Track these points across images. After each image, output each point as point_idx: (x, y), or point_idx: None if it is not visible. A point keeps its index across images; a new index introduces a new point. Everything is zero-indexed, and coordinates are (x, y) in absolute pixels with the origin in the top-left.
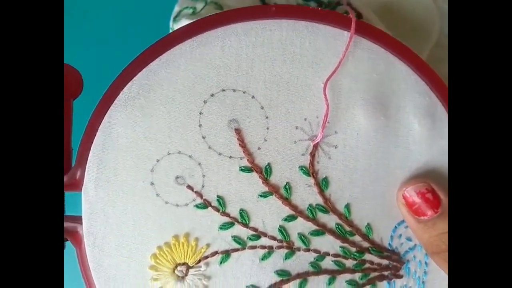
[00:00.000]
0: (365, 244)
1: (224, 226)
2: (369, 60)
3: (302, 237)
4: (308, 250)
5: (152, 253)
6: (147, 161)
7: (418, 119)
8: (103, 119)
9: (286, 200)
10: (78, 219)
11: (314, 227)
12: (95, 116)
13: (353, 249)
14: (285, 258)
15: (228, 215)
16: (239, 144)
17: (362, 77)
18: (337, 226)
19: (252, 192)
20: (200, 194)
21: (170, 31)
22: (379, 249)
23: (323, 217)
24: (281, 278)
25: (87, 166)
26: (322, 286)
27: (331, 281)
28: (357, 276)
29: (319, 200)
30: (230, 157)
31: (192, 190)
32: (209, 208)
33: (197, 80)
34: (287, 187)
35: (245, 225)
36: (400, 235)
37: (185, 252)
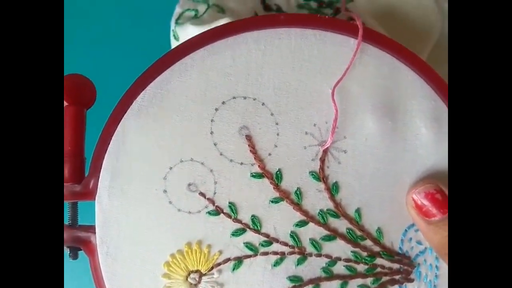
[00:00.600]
0: (376, 249)
1: (236, 233)
2: (376, 66)
3: (314, 242)
4: (319, 255)
5: (165, 261)
6: (160, 169)
7: (425, 123)
8: (116, 128)
9: (297, 206)
10: (91, 228)
11: (326, 232)
12: (108, 125)
13: (364, 254)
14: (297, 264)
15: (240, 221)
16: (250, 151)
17: (369, 83)
18: (348, 230)
19: (264, 198)
20: (212, 201)
21: (171, 32)
22: (390, 253)
23: (334, 222)
24: (294, 284)
25: (100, 175)
26: None
27: (343, 286)
28: (368, 280)
29: (330, 205)
30: (241, 163)
31: (204, 197)
32: (221, 214)
33: (208, 89)
34: (298, 192)
35: (257, 231)
36: (411, 239)
37: (198, 260)
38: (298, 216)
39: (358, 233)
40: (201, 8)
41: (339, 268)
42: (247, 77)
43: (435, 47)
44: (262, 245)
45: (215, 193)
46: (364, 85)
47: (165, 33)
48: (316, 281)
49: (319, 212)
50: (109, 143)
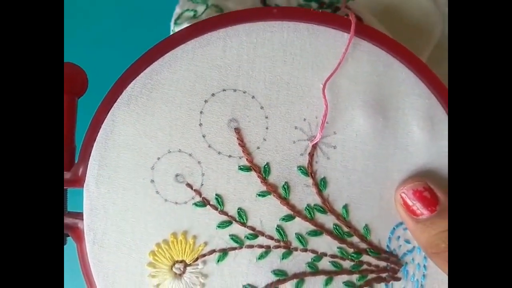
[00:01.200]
0: (363, 245)
1: (222, 225)
2: (369, 62)
3: (300, 237)
4: (305, 250)
5: (151, 250)
6: (148, 158)
7: (417, 121)
8: (106, 117)
9: (284, 200)
10: (79, 215)
11: (312, 227)
12: (98, 113)
13: (351, 250)
14: (282, 258)
15: (226, 213)
16: (239, 144)
17: (362, 79)
18: (335, 226)
19: (251, 191)
20: (199, 192)
21: (171, 33)
22: (376, 251)
23: (321, 218)
24: (278, 278)
25: (89, 163)
26: (319, 287)
27: (328, 282)
28: (354, 277)
29: (317, 200)
30: (230, 156)
31: (191, 188)
32: (208, 206)
33: (198, 80)
34: (285, 186)
35: (243, 224)
36: (399, 237)
37: (183, 250)
38: (285, 211)
39: (345, 229)
40: (200, 8)
41: (325, 263)
42: (238, 70)
43: (436, 47)
44: (248, 238)
45: (202, 184)
46: (357, 81)
47: (166, 32)
48: (300, 276)
49: (306, 207)
50: (98, 132)
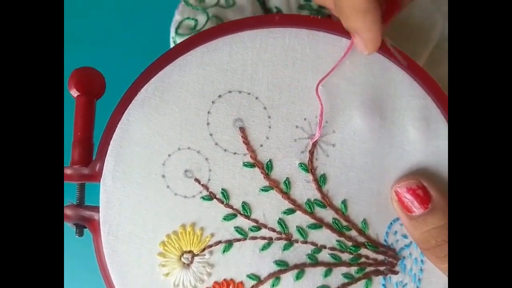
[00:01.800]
0: (361, 239)
1: (228, 217)
2: (366, 64)
3: (300, 229)
4: (305, 242)
5: (161, 240)
6: (160, 155)
7: (413, 121)
8: (121, 117)
9: (286, 194)
10: (95, 208)
11: (312, 221)
12: (115, 114)
13: (349, 243)
14: (284, 249)
15: (231, 207)
16: (243, 142)
17: (359, 80)
18: (334, 220)
19: (254, 186)
20: (206, 187)
21: (171, 39)
22: (374, 245)
23: (320, 212)
24: (280, 268)
25: (106, 159)
26: (319, 278)
27: (327, 273)
28: (353, 269)
29: (317, 195)
30: (235, 153)
31: (199, 183)
32: (214, 200)
33: (206, 83)
34: (286, 182)
35: (247, 216)
36: (396, 232)
37: (191, 241)
38: (286, 205)
39: (344, 223)
40: (201, 18)
41: (324, 255)
42: (243, 73)
43: (436, 47)
44: (251, 230)
45: (209, 179)
46: (354, 82)
47: (166, 33)
48: (301, 266)
49: (306, 202)
50: (114, 131)
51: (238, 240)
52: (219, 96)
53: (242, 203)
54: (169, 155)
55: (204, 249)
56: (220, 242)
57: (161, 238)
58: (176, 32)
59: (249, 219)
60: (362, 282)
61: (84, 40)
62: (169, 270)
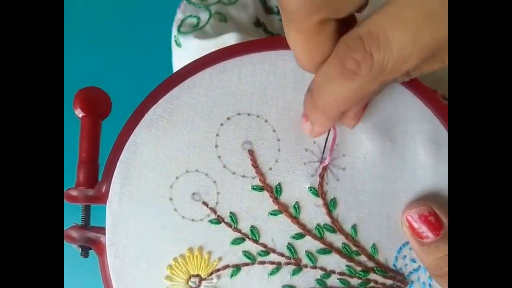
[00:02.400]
0: (370, 264)
1: (236, 242)
2: None
3: (310, 254)
4: (315, 267)
5: (168, 264)
6: (167, 178)
7: (424, 145)
8: (129, 138)
9: (295, 219)
10: (101, 230)
11: (321, 246)
12: (121, 135)
13: (358, 268)
14: (293, 274)
15: (239, 231)
16: (252, 165)
17: (369, 104)
18: (343, 245)
19: (263, 210)
20: (214, 210)
21: (173, 38)
22: (383, 269)
23: (330, 237)
24: None
25: (112, 181)
26: None
27: None
28: None
29: (327, 220)
30: (243, 176)
31: (207, 206)
32: (222, 223)
33: (215, 105)
34: (296, 206)
35: (255, 241)
36: (405, 256)
37: (199, 265)
38: (296, 229)
39: (353, 248)
40: (203, 15)
41: (333, 281)
42: (252, 96)
43: None
44: (260, 255)
45: (217, 203)
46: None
47: (167, 32)
48: None
49: (316, 226)
50: (121, 152)
51: (246, 264)
52: (228, 118)
53: (251, 227)
54: (177, 178)
55: (211, 273)
56: (228, 266)
57: (168, 261)
58: (179, 31)
59: (257, 244)
60: None
61: (84, 41)
62: None
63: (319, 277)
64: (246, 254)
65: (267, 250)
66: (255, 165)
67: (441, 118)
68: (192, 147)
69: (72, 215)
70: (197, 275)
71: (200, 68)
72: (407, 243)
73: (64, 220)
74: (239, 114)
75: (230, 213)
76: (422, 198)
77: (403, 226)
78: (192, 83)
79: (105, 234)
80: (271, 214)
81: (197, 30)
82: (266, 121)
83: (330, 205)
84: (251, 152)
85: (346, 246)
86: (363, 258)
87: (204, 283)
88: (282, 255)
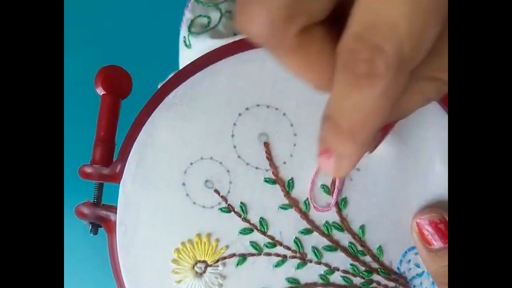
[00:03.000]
0: (375, 265)
1: (244, 231)
2: None
3: (315, 250)
4: (319, 263)
5: (176, 248)
6: (182, 163)
7: (439, 152)
8: (147, 120)
9: (304, 215)
10: (112, 208)
11: (328, 243)
12: (140, 116)
13: (362, 268)
14: (297, 268)
15: (248, 221)
16: (266, 157)
17: None
18: (350, 244)
19: (274, 203)
20: (225, 199)
21: (182, 39)
22: (387, 271)
23: (337, 234)
24: (291, 285)
25: (127, 162)
26: None
27: None
28: None
29: (336, 218)
30: (257, 168)
31: (219, 194)
32: (232, 213)
33: (235, 94)
34: (307, 202)
35: (263, 232)
36: (409, 261)
37: (206, 251)
38: (304, 224)
39: (359, 248)
40: (214, 15)
41: (336, 277)
42: (273, 88)
43: None
44: (267, 246)
45: (229, 192)
46: None
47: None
48: (312, 286)
49: (324, 223)
50: (138, 133)
51: (253, 254)
52: (247, 108)
53: (260, 218)
54: (191, 164)
55: (218, 260)
56: (234, 255)
57: (176, 245)
58: (189, 31)
59: (265, 235)
60: None
61: (84, 42)
62: (181, 278)
63: (322, 272)
64: (253, 244)
65: (274, 242)
66: (270, 157)
67: None
68: (209, 135)
69: (84, 192)
70: (204, 261)
71: (223, 56)
72: (413, 247)
73: (76, 196)
74: (258, 105)
75: (241, 203)
76: (434, 205)
77: (412, 231)
78: (214, 70)
79: (116, 213)
80: (281, 207)
81: (210, 30)
82: (284, 114)
83: (340, 204)
84: (266, 145)
85: (352, 245)
86: (368, 258)
87: (209, 269)
88: (288, 248)
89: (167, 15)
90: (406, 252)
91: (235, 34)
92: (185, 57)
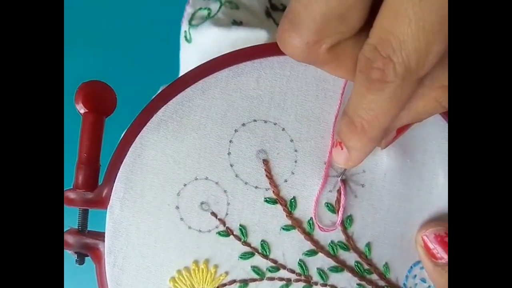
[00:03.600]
0: (381, 283)
1: (245, 256)
2: None
3: (321, 272)
4: (325, 285)
5: (171, 276)
6: (174, 184)
7: (443, 165)
8: (134, 139)
9: (309, 235)
10: (100, 236)
11: (334, 264)
12: (127, 136)
13: (369, 287)
14: None
15: (249, 245)
16: (266, 175)
17: None
18: (356, 264)
19: (275, 224)
20: (223, 222)
21: (183, 34)
22: None
23: (343, 254)
24: None
25: (114, 185)
26: None
27: None
28: None
29: (342, 237)
30: (256, 187)
31: (216, 217)
32: (231, 236)
33: (229, 109)
34: (310, 222)
35: (265, 256)
36: (415, 276)
37: (204, 278)
38: (308, 246)
39: (366, 266)
40: (214, 6)
41: None
42: (270, 101)
43: None
44: (269, 270)
45: (227, 214)
46: None
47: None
48: None
49: (330, 243)
50: (125, 154)
51: (254, 280)
52: (243, 124)
53: (261, 241)
54: (185, 185)
55: None
56: (235, 281)
57: (171, 273)
58: (190, 24)
59: (267, 259)
60: None
61: (85, 42)
62: None
63: None
64: (255, 269)
65: (277, 266)
66: (270, 176)
67: None
68: (203, 153)
69: (68, 219)
70: None
71: (216, 69)
72: (418, 262)
73: None
74: (255, 120)
75: (240, 225)
76: (439, 218)
77: (418, 245)
78: (206, 84)
79: (103, 241)
80: (283, 229)
81: (209, 19)
82: (283, 129)
83: (346, 222)
84: (266, 162)
85: (358, 264)
86: (374, 276)
87: None
88: (292, 271)
89: (162, 28)
90: (411, 267)
91: (234, 21)
92: (186, 54)
